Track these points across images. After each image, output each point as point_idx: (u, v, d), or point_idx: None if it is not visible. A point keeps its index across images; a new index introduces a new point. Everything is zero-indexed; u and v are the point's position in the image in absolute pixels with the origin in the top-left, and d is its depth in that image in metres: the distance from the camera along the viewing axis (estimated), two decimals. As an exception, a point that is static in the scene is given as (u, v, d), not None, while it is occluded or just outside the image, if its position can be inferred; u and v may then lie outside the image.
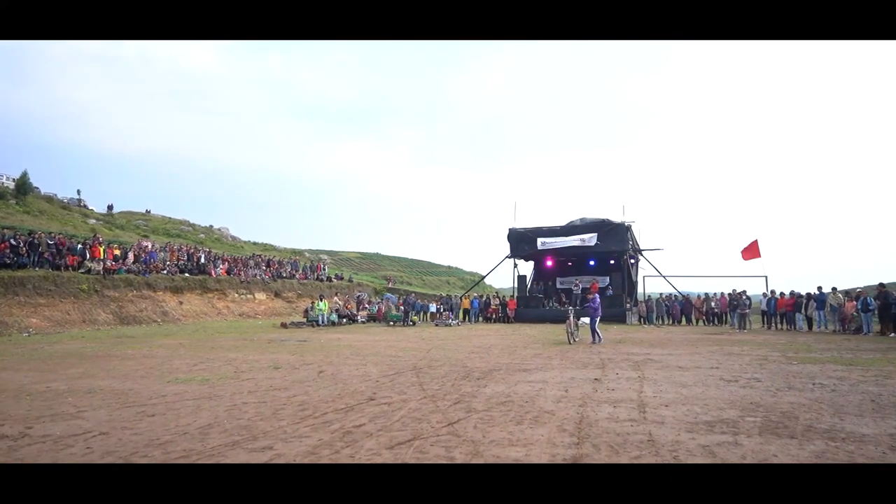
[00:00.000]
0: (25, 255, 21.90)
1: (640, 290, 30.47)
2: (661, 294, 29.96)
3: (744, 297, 22.21)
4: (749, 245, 25.68)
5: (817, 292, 20.28)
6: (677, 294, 27.89)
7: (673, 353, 12.25)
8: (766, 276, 24.93)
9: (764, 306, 22.60)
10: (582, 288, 28.04)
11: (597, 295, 16.26)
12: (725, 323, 24.17)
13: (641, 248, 30.33)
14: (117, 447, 4.71)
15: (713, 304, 24.86)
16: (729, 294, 23.94)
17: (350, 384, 8.11)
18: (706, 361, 10.72)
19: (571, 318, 15.24)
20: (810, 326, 20.47)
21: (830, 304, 19.73)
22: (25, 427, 5.40)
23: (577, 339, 14.93)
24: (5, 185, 39.98)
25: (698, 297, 26.75)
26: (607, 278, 29.07)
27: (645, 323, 26.02)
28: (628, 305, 27.27)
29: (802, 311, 20.82)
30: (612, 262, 29.17)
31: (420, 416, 5.93)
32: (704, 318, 25.55)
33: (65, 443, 4.84)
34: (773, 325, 22.01)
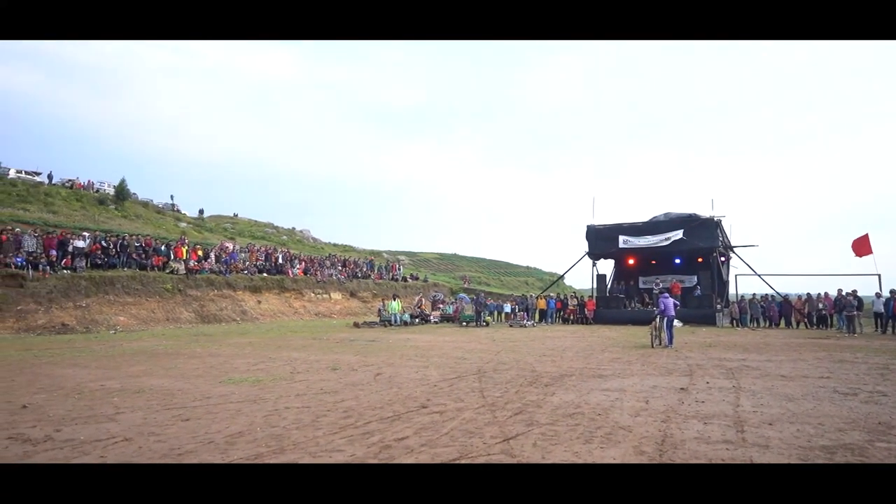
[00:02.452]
0: (115, 255, 23.00)
1: (731, 289, 28.33)
2: (754, 294, 27.58)
3: (850, 297, 19.79)
4: (859, 239, 23.04)
5: (946, 292, 17.80)
6: (775, 294, 25.53)
7: (773, 360, 10.84)
8: (879, 275, 22.23)
9: (879, 307, 20.06)
10: (662, 287, 26.25)
11: (665, 294, 14.86)
12: (831, 326, 21.74)
13: (733, 244, 28.16)
14: (134, 456, 4.30)
15: (820, 305, 22.38)
16: (835, 295, 21.48)
17: (405, 388, 7.51)
18: (814, 370, 9.32)
19: (658, 319, 13.96)
20: (936, 331, 18.00)
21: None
22: (55, 430, 5.13)
23: (660, 344, 13.68)
24: (106, 191, 42.64)
25: (799, 297, 24.32)
26: (695, 277, 27.14)
27: (738, 325, 23.96)
28: (719, 306, 25.27)
29: (926, 313, 18.32)
30: (699, 260, 27.16)
31: (473, 428, 5.21)
32: (806, 320, 23.17)
33: (82, 449, 4.48)
34: (892, 329, 19.48)
